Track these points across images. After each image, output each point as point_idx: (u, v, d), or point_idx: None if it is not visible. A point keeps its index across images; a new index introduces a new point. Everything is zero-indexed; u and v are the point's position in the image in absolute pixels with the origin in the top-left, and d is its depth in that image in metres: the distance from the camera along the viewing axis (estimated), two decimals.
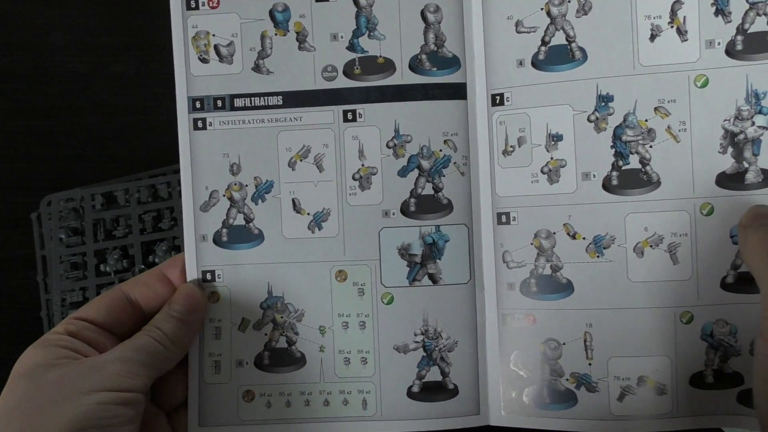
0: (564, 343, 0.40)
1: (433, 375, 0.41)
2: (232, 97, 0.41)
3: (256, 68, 0.41)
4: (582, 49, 0.39)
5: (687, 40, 0.38)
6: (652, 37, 0.39)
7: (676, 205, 0.39)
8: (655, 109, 0.39)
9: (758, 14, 0.37)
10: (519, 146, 0.40)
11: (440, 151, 0.41)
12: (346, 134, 0.41)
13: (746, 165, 0.38)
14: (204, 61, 0.41)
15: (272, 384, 0.41)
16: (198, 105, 0.41)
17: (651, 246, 0.39)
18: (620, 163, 0.39)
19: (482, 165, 0.41)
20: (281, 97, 0.41)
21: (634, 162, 0.39)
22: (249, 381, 0.41)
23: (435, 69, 0.40)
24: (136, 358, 0.36)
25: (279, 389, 0.41)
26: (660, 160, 0.39)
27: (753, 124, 0.38)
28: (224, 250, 0.41)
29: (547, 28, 0.40)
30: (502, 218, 0.41)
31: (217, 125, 0.41)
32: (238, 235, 0.41)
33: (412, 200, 0.41)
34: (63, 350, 0.36)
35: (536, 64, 0.40)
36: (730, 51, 0.38)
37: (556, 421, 0.40)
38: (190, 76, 0.41)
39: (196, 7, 0.41)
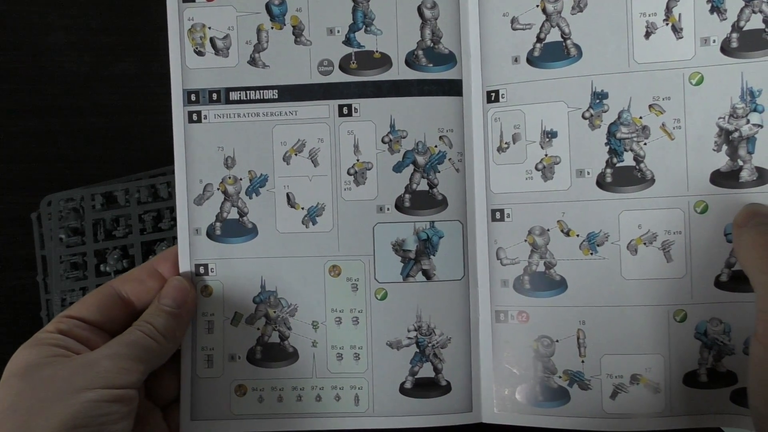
0: (557, 341, 0.40)
1: (426, 371, 0.41)
2: (228, 90, 0.41)
3: (252, 62, 0.41)
4: (577, 46, 0.39)
5: (682, 37, 0.38)
6: (647, 35, 0.39)
7: (671, 202, 0.39)
8: (650, 106, 0.39)
9: (753, 12, 0.37)
10: (514, 143, 0.40)
11: (435, 147, 0.41)
12: (341, 129, 0.41)
13: (741, 163, 0.38)
14: (200, 53, 0.41)
15: (264, 379, 0.41)
16: (193, 98, 0.41)
17: (645, 243, 0.39)
18: (614, 160, 0.39)
19: (477, 161, 0.41)
20: (277, 90, 0.41)
21: (628, 159, 0.39)
22: (241, 375, 0.41)
23: (431, 65, 0.41)
24: (128, 354, 0.36)
25: (271, 384, 0.41)
26: (654, 157, 0.39)
27: (748, 122, 0.38)
28: (218, 244, 0.41)
29: (543, 25, 0.40)
30: (497, 215, 0.41)
31: (212, 118, 0.41)
32: (232, 229, 0.41)
33: (407, 196, 0.41)
34: (55, 348, 0.35)
35: (531, 60, 0.40)
36: (726, 48, 0.38)
37: (549, 418, 0.40)
38: (186, 68, 0.41)
39: (192, 0, 0.41)
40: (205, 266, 0.41)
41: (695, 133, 0.38)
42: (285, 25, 0.41)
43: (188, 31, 0.41)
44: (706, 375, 0.39)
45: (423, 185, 0.41)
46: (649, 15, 0.39)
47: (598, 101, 0.39)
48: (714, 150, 0.38)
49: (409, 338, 0.41)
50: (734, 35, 0.38)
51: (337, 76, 0.41)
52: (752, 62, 0.37)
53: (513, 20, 0.40)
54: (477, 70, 0.41)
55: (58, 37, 0.56)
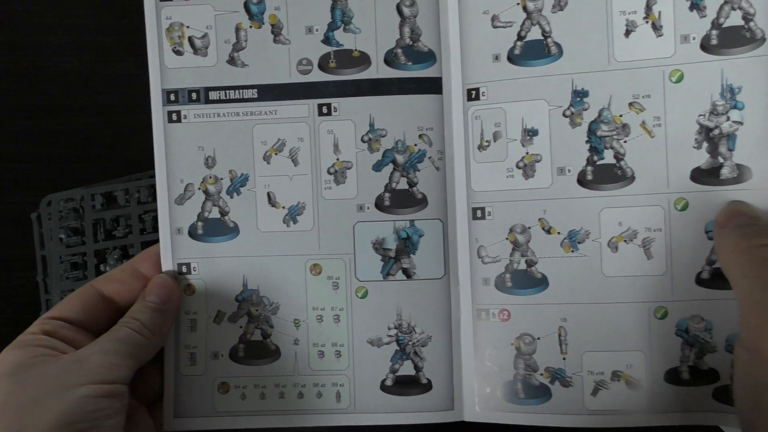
0: (539, 338, 0.40)
1: (407, 369, 0.41)
2: (207, 89, 0.41)
3: (231, 61, 0.41)
4: (558, 45, 0.39)
5: (662, 35, 0.38)
6: (627, 33, 0.38)
7: (651, 200, 0.39)
8: (630, 104, 0.39)
9: (733, 8, 0.37)
10: (494, 141, 0.40)
11: (415, 145, 0.41)
12: (321, 128, 0.41)
13: (721, 160, 0.38)
14: (178, 53, 0.41)
15: (247, 376, 0.41)
16: (172, 98, 0.41)
17: (625, 241, 0.39)
18: (595, 158, 0.39)
19: (457, 160, 0.41)
20: (256, 90, 0.41)
21: (608, 157, 0.39)
22: (224, 373, 0.42)
23: (410, 63, 0.40)
24: (117, 350, 0.36)
25: (254, 381, 0.41)
26: (634, 155, 0.39)
27: (728, 119, 0.38)
28: (200, 243, 0.42)
29: (523, 23, 0.40)
30: (477, 213, 0.41)
31: (191, 118, 0.41)
32: (214, 228, 0.42)
33: (387, 195, 0.41)
34: (41, 349, 0.36)
35: (512, 58, 0.40)
36: (705, 46, 0.38)
37: (531, 416, 0.40)
38: (164, 68, 0.41)
39: None
40: (188, 265, 0.42)
41: (675, 130, 0.38)
42: (264, 23, 0.41)
43: (166, 30, 0.41)
44: (688, 372, 0.39)
45: (403, 184, 0.41)
46: (629, 13, 0.38)
47: (578, 99, 0.39)
48: (694, 147, 0.38)
49: (389, 336, 0.41)
50: (714, 32, 0.37)
51: (317, 75, 0.41)
52: (732, 59, 0.37)
53: (493, 18, 0.40)
54: (457, 68, 0.41)
55: (58, 37, 0.56)
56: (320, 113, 0.41)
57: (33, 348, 0.36)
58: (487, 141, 0.40)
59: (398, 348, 0.41)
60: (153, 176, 0.53)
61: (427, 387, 0.41)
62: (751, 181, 0.37)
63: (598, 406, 0.40)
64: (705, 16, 0.38)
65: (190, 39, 0.41)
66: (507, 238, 0.40)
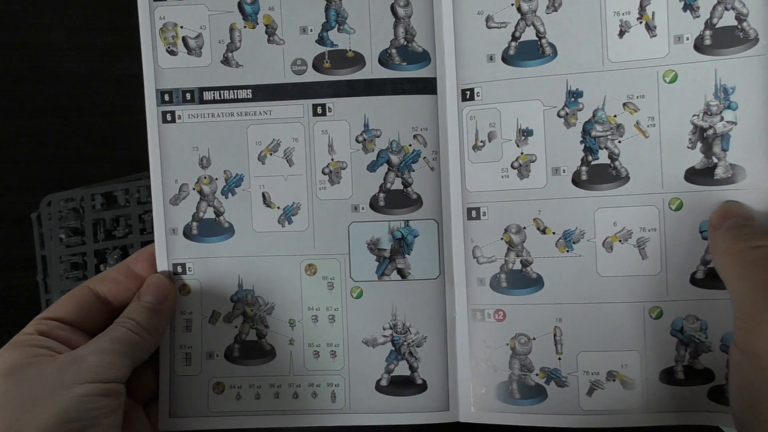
0: (534, 338, 0.40)
1: (402, 369, 0.41)
2: (201, 90, 0.41)
3: (225, 61, 0.41)
4: (552, 45, 0.39)
5: (656, 35, 0.38)
6: (621, 33, 0.39)
7: (645, 200, 0.39)
8: (624, 104, 0.39)
9: (726, 9, 0.37)
10: (489, 141, 0.40)
11: (410, 145, 0.41)
12: (315, 128, 0.41)
13: (715, 160, 0.38)
14: (172, 53, 0.41)
15: (242, 376, 0.41)
16: (167, 98, 0.41)
17: (620, 241, 0.39)
18: (589, 158, 0.39)
19: (452, 160, 0.41)
20: (251, 90, 0.41)
21: (603, 157, 0.39)
22: (219, 373, 0.42)
23: (405, 63, 0.40)
24: (114, 349, 0.36)
25: (249, 381, 0.41)
26: (629, 155, 0.39)
27: (722, 119, 0.38)
28: (195, 244, 0.42)
29: (518, 23, 0.40)
30: (472, 213, 0.41)
31: (186, 118, 0.41)
32: (209, 228, 0.42)
33: (382, 195, 0.41)
34: (37, 349, 0.36)
35: (506, 59, 0.40)
36: (699, 46, 0.38)
37: (526, 416, 0.40)
38: (158, 68, 0.41)
39: None
40: (183, 265, 0.42)
41: (669, 130, 0.38)
42: (258, 24, 0.41)
43: (160, 30, 0.41)
44: (683, 372, 0.39)
45: (397, 184, 0.41)
46: (623, 14, 0.38)
47: (573, 100, 0.39)
48: (688, 147, 0.38)
49: (384, 336, 0.41)
50: (707, 32, 0.37)
51: (311, 76, 0.41)
52: (725, 59, 0.37)
53: (488, 18, 0.40)
54: (452, 68, 0.41)
55: (58, 37, 0.56)
56: (315, 113, 0.41)
57: (29, 348, 0.36)
58: (481, 141, 0.40)
59: (393, 348, 0.41)
60: None
61: (423, 387, 0.41)
62: (745, 181, 0.37)
63: (593, 406, 0.40)
64: (698, 16, 0.38)
65: (184, 39, 0.41)
66: (502, 238, 0.40)
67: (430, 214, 0.41)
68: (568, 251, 0.40)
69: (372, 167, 0.41)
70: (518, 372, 0.40)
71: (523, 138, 0.40)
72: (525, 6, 0.39)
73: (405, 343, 0.41)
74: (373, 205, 0.41)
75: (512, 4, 0.40)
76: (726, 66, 0.37)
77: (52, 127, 0.56)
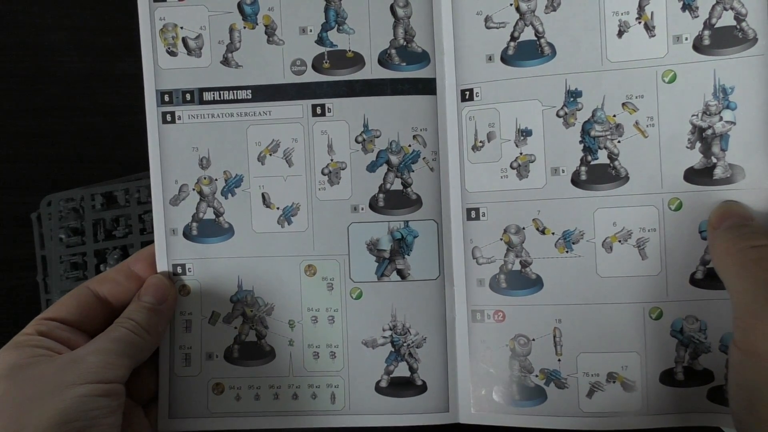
0: (533, 339, 0.40)
1: (402, 371, 0.41)
2: (201, 90, 0.41)
3: (225, 62, 0.41)
4: (551, 45, 0.39)
5: (654, 35, 0.38)
6: (620, 33, 0.39)
7: (645, 200, 0.39)
8: (623, 104, 0.39)
9: (725, 9, 0.37)
10: (488, 141, 0.40)
11: (409, 146, 0.41)
12: (315, 129, 0.41)
13: (714, 160, 0.38)
14: (172, 54, 0.41)
15: (242, 377, 0.41)
16: (167, 98, 0.41)
17: (620, 241, 0.39)
18: (589, 158, 0.39)
19: (451, 160, 0.41)
20: (250, 90, 0.41)
21: (602, 157, 0.39)
22: (219, 374, 0.41)
23: (404, 64, 0.41)
24: (114, 350, 0.36)
25: (248, 382, 0.41)
26: (628, 155, 0.39)
27: (721, 119, 0.38)
28: (194, 244, 0.42)
29: (516, 23, 0.40)
30: (472, 214, 0.41)
31: (186, 119, 0.41)
32: (208, 229, 0.42)
33: (381, 195, 0.41)
34: (37, 350, 0.36)
35: (505, 59, 0.40)
36: (698, 46, 0.38)
37: (526, 418, 0.40)
38: (158, 69, 0.41)
39: (164, 0, 0.41)
40: (183, 266, 0.42)
41: (669, 130, 0.38)
42: (257, 24, 0.41)
43: (160, 31, 0.41)
44: (683, 373, 0.39)
45: (397, 185, 0.41)
46: (622, 14, 0.38)
47: (572, 99, 0.39)
48: (687, 147, 0.38)
49: (384, 337, 0.41)
50: (706, 32, 0.38)
51: (311, 76, 0.41)
52: (724, 59, 0.37)
53: (487, 19, 0.40)
54: (451, 68, 0.41)
55: (58, 37, 0.56)
56: (314, 114, 0.41)
57: (29, 348, 0.36)
58: (481, 141, 0.40)
59: (393, 349, 0.41)
60: None
61: (422, 389, 0.41)
62: (744, 181, 0.37)
63: (593, 408, 0.39)
64: (697, 16, 0.38)
65: (183, 40, 0.41)
66: (501, 239, 0.40)
67: (429, 215, 0.41)
68: (567, 252, 0.40)
69: (371, 168, 0.41)
70: (518, 373, 0.40)
71: (522, 138, 0.40)
72: (524, 6, 0.40)
73: (404, 344, 0.41)
74: (373, 205, 0.41)
75: (511, 4, 0.40)
76: (725, 66, 0.37)
77: (52, 127, 0.56)
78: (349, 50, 0.41)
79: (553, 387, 0.40)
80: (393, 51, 0.41)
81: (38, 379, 0.34)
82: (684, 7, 0.38)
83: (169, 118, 0.41)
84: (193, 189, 0.41)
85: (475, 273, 0.41)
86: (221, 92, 0.41)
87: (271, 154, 0.41)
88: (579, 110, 0.39)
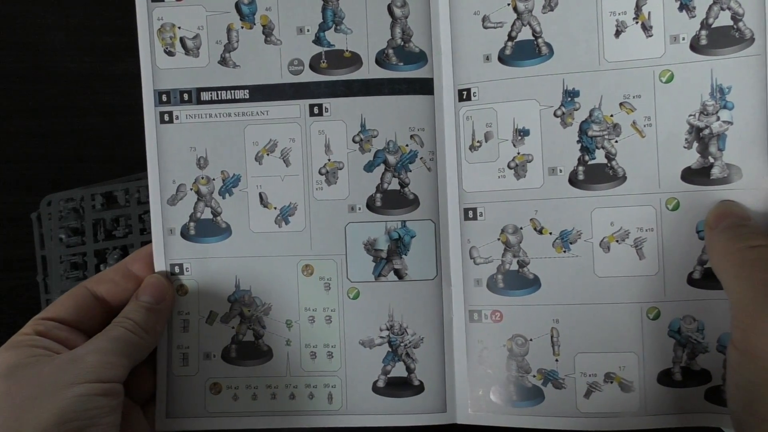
0: (531, 340, 0.40)
1: (399, 371, 0.41)
2: (199, 90, 0.41)
3: (223, 61, 0.41)
4: (548, 45, 0.39)
5: (652, 35, 0.38)
6: (617, 33, 0.39)
7: (642, 200, 0.39)
8: (621, 104, 0.39)
9: (722, 9, 0.37)
10: (486, 141, 0.40)
11: (406, 146, 0.41)
12: (312, 128, 0.41)
13: (711, 160, 0.38)
14: (170, 53, 0.41)
15: (239, 377, 0.41)
16: (164, 98, 0.41)
17: (617, 241, 0.39)
18: (586, 158, 0.39)
19: (449, 160, 0.41)
20: (248, 90, 0.41)
21: (600, 157, 0.39)
22: (216, 374, 0.41)
23: (401, 64, 0.41)
24: (112, 349, 0.36)
25: (246, 382, 0.41)
26: (626, 155, 0.39)
27: (718, 119, 0.38)
28: (192, 244, 0.42)
29: (514, 23, 0.40)
30: (469, 214, 0.41)
31: (183, 119, 0.41)
32: (206, 228, 0.42)
33: (378, 195, 0.41)
34: (35, 349, 0.36)
35: (503, 59, 0.40)
36: (695, 46, 0.38)
37: (524, 418, 0.40)
38: (156, 69, 0.41)
39: (162, 0, 0.41)
40: (180, 266, 0.42)
41: (666, 130, 0.38)
42: (255, 24, 0.41)
43: (158, 31, 0.41)
44: (681, 373, 0.39)
45: (394, 184, 0.41)
46: (619, 14, 0.38)
47: (569, 99, 0.39)
48: (685, 147, 0.38)
49: (381, 337, 0.41)
50: (703, 32, 0.38)
51: (308, 76, 0.41)
52: (721, 59, 0.37)
53: (484, 18, 0.40)
54: (448, 68, 0.41)
55: (58, 37, 0.57)
56: (311, 114, 0.41)
57: (27, 348, 0.36)
58: (478, 141, 0.40)
59: (390, 349, 0.41)
60: None
61: (420, 389, 0.41)
62: (742, 180, 0.37)
63: (590, 409, 0.39)
64: (694, 16, 0.38)
65: (181, 40, 0.41)
66: (499, 239, 0.40)
67: (426, 215, 0.41)
68: (565, 251, 0.40)
69: (369, 167, 0.41)
70: (515, 373, 0.40)
71: (519, 138, 0.40)
72: (521, 6, 0.40)
73: (402, 344, 0.41)
74: (370, 205, 0.41)
75: (508, 4, 0.40)
76: (722, 66, 0.37)
77: (52, 127, 0.57)
78: (347, 50, 0.41)
79: (551, 387, 0.40)
80: (390, 51, 0.41)
81: (37, 378, 0.34)
82: (681, 7, 0.38)
83: (166, 117, 0.41)
84: (191, 189, 0.41)
85: (473, 273, 0.41)
86: (219, 92, 0.41)
87: (268, 154, 0.41)
88: (576, 110, 0.39)
